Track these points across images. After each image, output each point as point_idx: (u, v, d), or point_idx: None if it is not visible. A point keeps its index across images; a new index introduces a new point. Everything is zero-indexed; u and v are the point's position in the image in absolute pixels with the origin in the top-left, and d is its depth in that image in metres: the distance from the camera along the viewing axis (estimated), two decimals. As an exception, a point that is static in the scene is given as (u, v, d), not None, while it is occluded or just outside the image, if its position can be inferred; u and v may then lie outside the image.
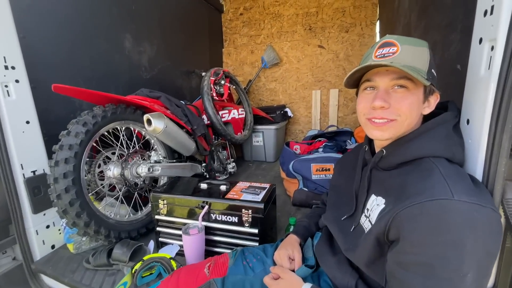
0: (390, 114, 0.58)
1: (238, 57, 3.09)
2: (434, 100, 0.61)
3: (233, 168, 2.18)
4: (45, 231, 1.26)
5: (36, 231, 1.23)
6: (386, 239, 0.54)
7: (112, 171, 1.30)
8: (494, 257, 0.50)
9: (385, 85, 0.59)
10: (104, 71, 1.65)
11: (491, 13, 0.56)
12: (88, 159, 1.23)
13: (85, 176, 1.17)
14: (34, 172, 1.20)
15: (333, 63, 2.76)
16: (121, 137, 1.39)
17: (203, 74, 2.10)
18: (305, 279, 0.71)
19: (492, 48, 0.56)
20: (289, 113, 2.84)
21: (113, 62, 1.71)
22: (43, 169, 1.23)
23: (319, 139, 2.06)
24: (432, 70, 0.59)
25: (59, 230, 1.31)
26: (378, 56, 0.59)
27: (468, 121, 0.65)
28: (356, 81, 0.66)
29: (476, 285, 0.47)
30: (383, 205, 0.57)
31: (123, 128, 1.40)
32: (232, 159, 2.25)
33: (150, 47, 2.02)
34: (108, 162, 1.36)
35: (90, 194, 1.22)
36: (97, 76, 1.60)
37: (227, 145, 2.24)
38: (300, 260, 0.79)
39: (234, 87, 2.38)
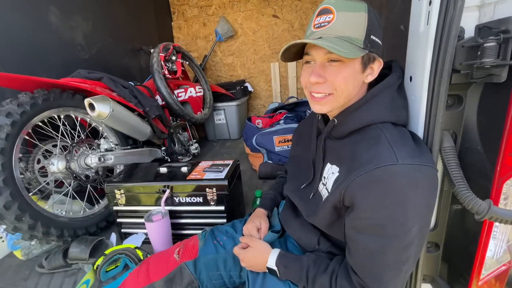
0: (326, 88, 0.58)
1: (190, 30, 2.88)
2: (377, 67, 0.61)
3: (196, 149, 2.11)
4: (-17, 241, 1.12)
5: (-29, 243, 1.08)
6: (342, 205, 0.57)
7: (56, 165, 1.16)
8: (433, 207, 0.56)
9: (320, 59, 0.58)
10: (27, 52, 1.40)
11: (428, -33, 0.57)
12: (22, 155, 1.08)
13: (22, 174, 1.03)
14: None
15: (289, 33, 2.71)
16: (61, 127, 1.23)
17: (152, 50, 1.91)
18: (273, 245, 0.73)
19: (430, 2, 0.57)
20: (250, 88, 2.78)
21: (37, 41, 1.46)
22: (-35, 172, 1.05)
23: (280, 111, 2.07)
24: (372, 37, 0.57)
25: (1, 238, 1.17)
26: (316, 26, 0.58)
27: (411, 78, 0.67)
28: (299, 54, 0.64)
29: (420, 236, 0.53)
30: (337, 174, 0.60)
31: (63, 116, 1.23)
32: (195, 140, 2.17)
33: (84, 21, 1.76)
34: (50, 156, 1.21)
35: (31, 193, 1.09)
36: (19, 58, 1.36)
37: (187, 126, 2.14)
38: (267, 229, 0.81)
39: (187, 63, 2.23)
